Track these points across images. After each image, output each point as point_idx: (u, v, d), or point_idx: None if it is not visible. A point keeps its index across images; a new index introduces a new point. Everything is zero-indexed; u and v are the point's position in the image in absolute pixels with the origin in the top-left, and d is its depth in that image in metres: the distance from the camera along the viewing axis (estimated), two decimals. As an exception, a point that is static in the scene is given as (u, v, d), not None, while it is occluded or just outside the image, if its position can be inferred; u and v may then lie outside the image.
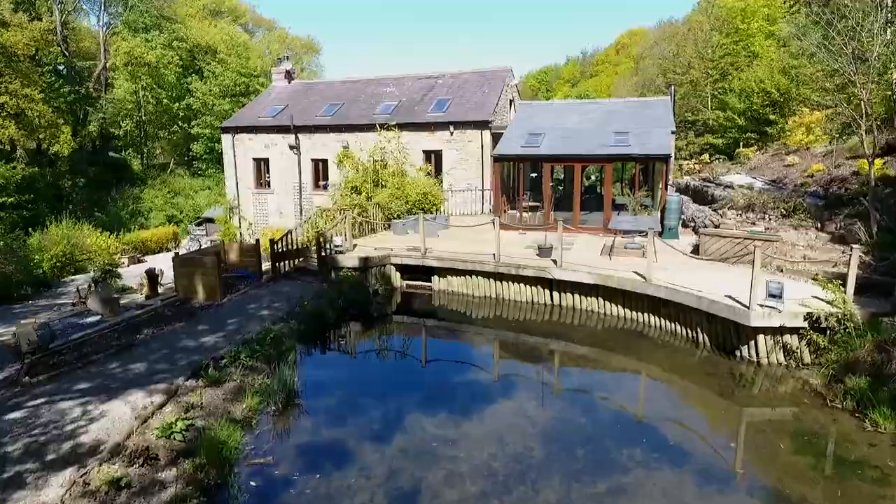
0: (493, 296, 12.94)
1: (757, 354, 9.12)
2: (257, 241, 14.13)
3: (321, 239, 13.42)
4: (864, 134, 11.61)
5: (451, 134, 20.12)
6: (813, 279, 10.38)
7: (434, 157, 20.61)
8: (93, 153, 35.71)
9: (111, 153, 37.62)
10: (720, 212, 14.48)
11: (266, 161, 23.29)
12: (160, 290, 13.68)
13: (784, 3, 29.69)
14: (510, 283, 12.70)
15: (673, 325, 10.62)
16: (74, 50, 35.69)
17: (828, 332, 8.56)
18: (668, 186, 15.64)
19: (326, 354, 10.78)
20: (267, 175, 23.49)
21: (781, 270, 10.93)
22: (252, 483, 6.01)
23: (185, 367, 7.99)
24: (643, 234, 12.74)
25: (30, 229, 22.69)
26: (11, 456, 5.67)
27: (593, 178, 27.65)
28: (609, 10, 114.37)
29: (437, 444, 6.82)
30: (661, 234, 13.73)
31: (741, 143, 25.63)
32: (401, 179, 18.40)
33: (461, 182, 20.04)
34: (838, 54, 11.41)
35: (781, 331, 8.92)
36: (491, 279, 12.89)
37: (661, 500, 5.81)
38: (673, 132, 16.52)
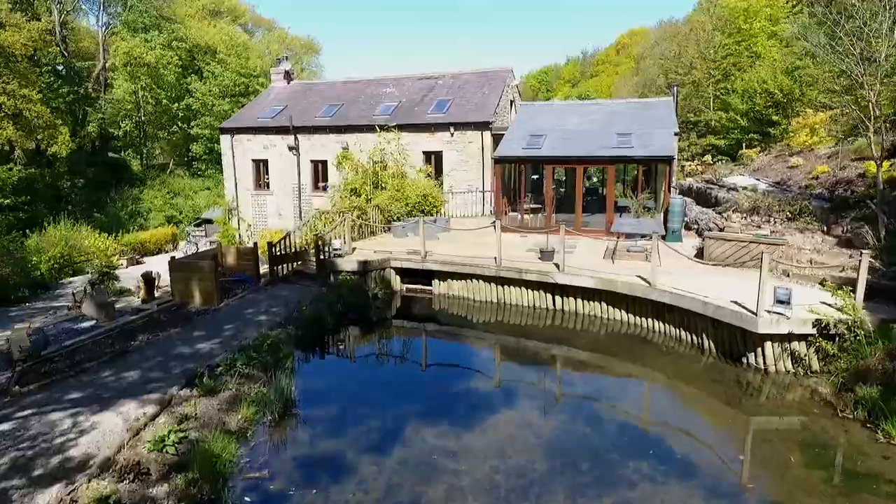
0: (495, 300, 12.75)
1: (764, 362, 8.93)
2: (255, 244, 13.94)
3: (320, 242, 13.23)
4: (871, 136, 11.42)
5: (452, 135, 19.94)
6: (820, 284, 10.21)
7: (434, 159, 20.43)
8: (92, 153, 35.54)
9: (110, 153, 37.46)
10: (725, 215, 14.29)
11: (265, 162, 23.11)
12: (157, 293, 13.50)
13: (787, 2, 29.49)
14: (512, 287, 12.52)
15: (678, 330, 10.43)
16: (73, 50, 35.52)
17: (837, 339, 8.38)
18: (671, 188, 15.45)
19: (325, 360, 10.59)
20: (266, 176, 23.31)
21: (788, 275, 10.75)
22: (247, 499, 5.83)
23: (180, 376, 7.81)
24: (646, 237, 12.57)
25: (27, 231, 22.54)
26: (-2, 471, 5.49)
27: (594, 179, 27.45)
28: (609, 10, 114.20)
29: (437, 457, 6.63)
30: (664, 238, 13.53)
31: (744, 145, 25.42)
32: (400, 181, 18.22)
33: (462, 184, 19.86)
34: (846, 55, 11.22)
35: (789, 338, 8.73)
36: (492, 283, 12.70)
37: (668, 516, 5.64)
38: (676, 133, 16.33)
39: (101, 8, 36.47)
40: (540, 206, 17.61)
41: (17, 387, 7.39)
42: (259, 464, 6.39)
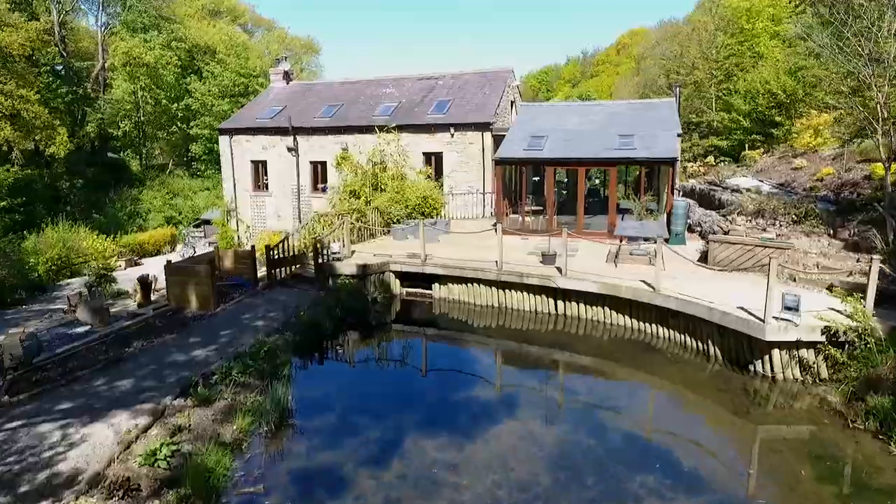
0: (496, 304, 12.56)
1: (772, 369, 8.74)
2: (252, 247, 13.75)
3: (318, 245, 13.05)
4: (879, 138, 11.22)
5: (452, 136, 19.75)
6: (827, 289, 10.02)
7: (434, 160, 20.25)
8: (91, 154, 35.39)
9: (110, 154, 37.30)
10: (729, 218, 14.09)
11: (264, 163, 22.93)
12: (154, 296, 13.32)
13: (789, 2, 29.28)
14: (513, 291, 12.33)
15: (683, 336, 10.24)
16: (73, 50, 35.33)
17: (846, 346, 8.19)
18: (675, 190, 15.26)
19: (323, 367, 10.41)
20: (265, 177, 23.14)
21: (794, 279, 10.56)
22: (241, 515, 5.66)
23: (174, 385, 7.62)
24: (649, 240, 12.38)
25: (25, 232, 22.38)
26: (-17, 487, 5.31)
27: (596, 180, 27.24)
28: (609, 10, 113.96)
29: (437, 470, 6.45)
30: (667, 240, 13.34)
31: (746, 146, 25.21)
32: (400, 183, 18.03)
33: (462, 185, 19.67)
34: (853, 56, 11.02)
35: (797, 345, 8.54)
36: (493, 287, 12.52)
37: (676, 533, 5.45)
38: (679, 135, 16.13)
39: (101, 8, 36.32)
40: (541, 208, 17.42)
41: (6, 396, 7.21)
42: (254, 478, 6.20)
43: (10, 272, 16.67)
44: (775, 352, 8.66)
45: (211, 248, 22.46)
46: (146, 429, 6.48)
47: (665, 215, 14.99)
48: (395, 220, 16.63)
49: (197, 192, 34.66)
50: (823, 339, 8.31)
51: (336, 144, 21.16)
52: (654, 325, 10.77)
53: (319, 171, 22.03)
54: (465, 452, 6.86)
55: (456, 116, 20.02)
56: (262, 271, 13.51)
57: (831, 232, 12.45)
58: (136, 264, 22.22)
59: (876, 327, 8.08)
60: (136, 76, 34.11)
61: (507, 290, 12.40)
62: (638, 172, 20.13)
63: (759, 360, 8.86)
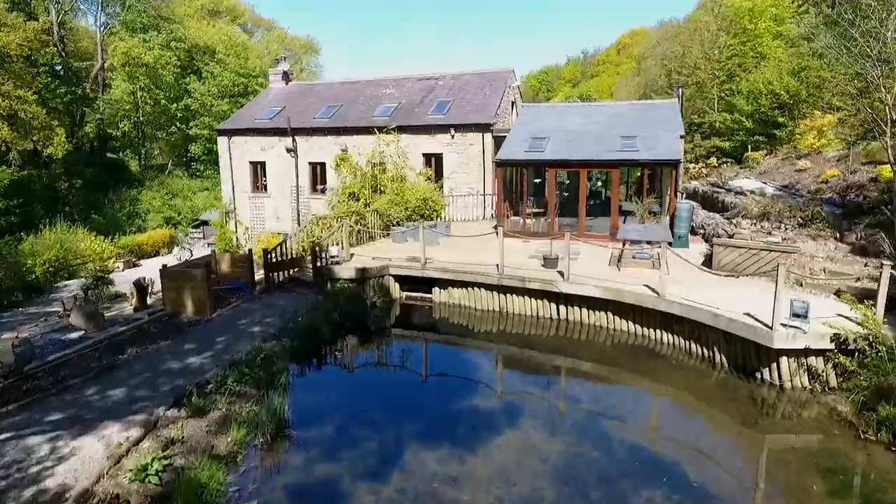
0: (497, 309, 12.37)
1: (779, 377, 8.55)
2: (250, 251, 13.59)
3: (317, 248, 12.86)
4: (887, 140, 11.02)
5: (452, 137, 19.56)
6: (835, 294, 9.84)
7: (434, 161, 20.05)
8: (90, 154, 35.23)
9: (109, 154, 37.14)
10: (734, 221, 13.90)
11: (263, 164, 22.75)
12: (150, 300, 13.16)
13: (792, 2, 29.07)
14: (514, 295, 12.14)
15: (687, 343, 10.05)
16: (72, 50, 35.17)
17: (856, 354, 8.00)
18: (678, 193, 15.07)
19: (321, 374, 10.21)
20: (264, 178, 22.95)
21: (801, 284, 10.37)
22: (234, 532, 5.47)
23: (168, 394, 7.44)
24: (652, 243, 12.19)
25: (23, 233, 22.22)
26: (-34, 504, 5.14)
27: (598, 182, 27.04)
28: (610, 10, 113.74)
29: (437, 484, 6.25)
30: (670, 244, 13.15)
31: (749, 147, 25.01)
32: (400, 185, 17.83)
33: (462, 186, 19.49)
34: (861, 56, 10.83)
35: (806, 353, 8.35)
36: (494, 291, 12.33)
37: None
38: (682, 136, 15.95)
39: (100, 8, 36.17)
40: (542, 210, 17.23)
41: (-5, 407, 7.03)
42: (249, 492, 6.01)
43: (7, 274, 16.51)
44: (783, 359, 8.47)
45: (210, 250, 22.33)
46: (137, 441, 6.30)
47: (668, 218, 14.80)
48: (394, 223, 16.44)
49: (196, 192, 34.52)
50: (832, 346, 8.12)
51: (335, 145, 20.97)
52: (658, 331, 10.58)
53: (318, 173, 21.85)
54: (467, 465, 6.68)
55: (456, 117, 19.83)
56: (259, 274, 13.34)
57: (838, 235, 12.25)
58: (135, 265, 22.07)
59: (887, 335, 7.88)
60: (136, 76, 33.95)
61: (508, 295, 12.21)
62: (640, 174, 19.93)
63: (767, 368, 8.67)
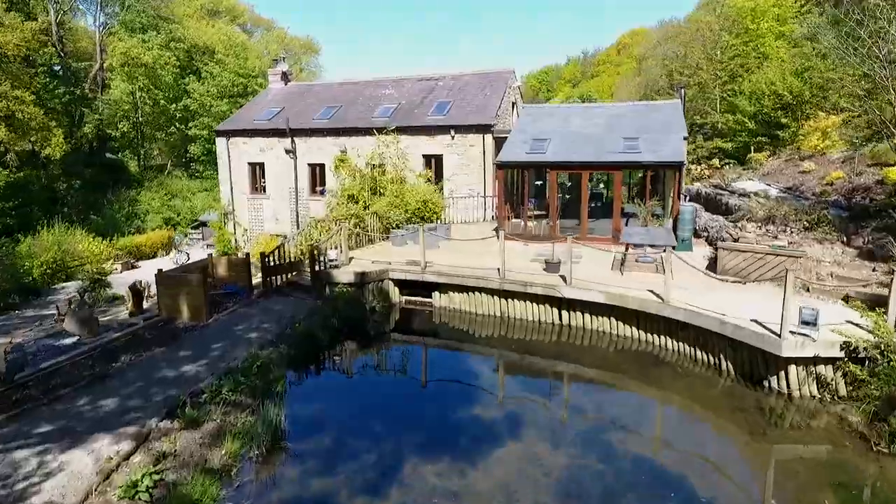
0: (498, 314, 12.18)
1: (788, 386, 8.36)
2: (247, 255, 13.39)
3: (315, 252, 12.67)
4: (896, 142, 10.84)
5: (452, 138, 19.37)
6: (843, 300, 9.65)
7: (434, 163, 19.86)
8: (89, 154, 35.07)
9: (108, 154, 36.96)
10: (739, 224, 13.70)
11: (261, 165, 22.56)
12: (147, 304, 12.98)
13: (795, 2, 28.86)
14: (516, 300, 11.94)
15: (693, 349, 9.86)
16: (71, 50, 35.00)
17: (867, 363, 7.81)
18: (681, 195, 14.87)
19: (318, 381, 10.01)
20: (262, 180, 22.76)
21: (808, 289, 10.18)
22: (227, 551, 5.28)
23: (161, 405, 7.26)
24: (655, 246, 12.00)
25: (21, 234, 22.07)
26: (-51, 523, 4.96)
27: (600, 184, 26.84)
28: (610, 10, 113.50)
29: (437, 500, 6.05)
30: (674, 248, 12.95)
31: (752, 148, 24.81)
32: (400, 186, 17.63)
33: (462, 188, 19.30)
34: (869, 57, 10.63)
35: (815, 361, 8.15)
36: (495, 296, 12.13)
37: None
38: (685, 138, 15.75)
39: (99, 7, 35.99)
40: (544, 212, 17.03)
41: (-17, 418, 6.85)
42: (242, 508, 5.84)
43: (3, 277, 16.35)
44: (791, 368, 8.28)
45: (209, 251, 22.15)
46: (128, 455, 6.11)
47: (671, 220, 14.61)
48: (394, 226, 16.24)
49: (195, 193, 34.37)
50: (842, 354, 7.92)
51: (335, 146, 20.79)
52: (662, 337, 10.38)
53: (318, 174, 21.66)
54: (467, 478, 6.48)
55: (456, 118, 19.64)
56: (257, 278, 13.15)
57: (844, 239, 12.05)
58: (133, 267, 21.90)
59: (899, 343, 7.69)
60: (135, 76, 33.77)
61: (509, 300, 12.02)
62: (641, 175, 19.74)
63: (775, 376, 8.47)
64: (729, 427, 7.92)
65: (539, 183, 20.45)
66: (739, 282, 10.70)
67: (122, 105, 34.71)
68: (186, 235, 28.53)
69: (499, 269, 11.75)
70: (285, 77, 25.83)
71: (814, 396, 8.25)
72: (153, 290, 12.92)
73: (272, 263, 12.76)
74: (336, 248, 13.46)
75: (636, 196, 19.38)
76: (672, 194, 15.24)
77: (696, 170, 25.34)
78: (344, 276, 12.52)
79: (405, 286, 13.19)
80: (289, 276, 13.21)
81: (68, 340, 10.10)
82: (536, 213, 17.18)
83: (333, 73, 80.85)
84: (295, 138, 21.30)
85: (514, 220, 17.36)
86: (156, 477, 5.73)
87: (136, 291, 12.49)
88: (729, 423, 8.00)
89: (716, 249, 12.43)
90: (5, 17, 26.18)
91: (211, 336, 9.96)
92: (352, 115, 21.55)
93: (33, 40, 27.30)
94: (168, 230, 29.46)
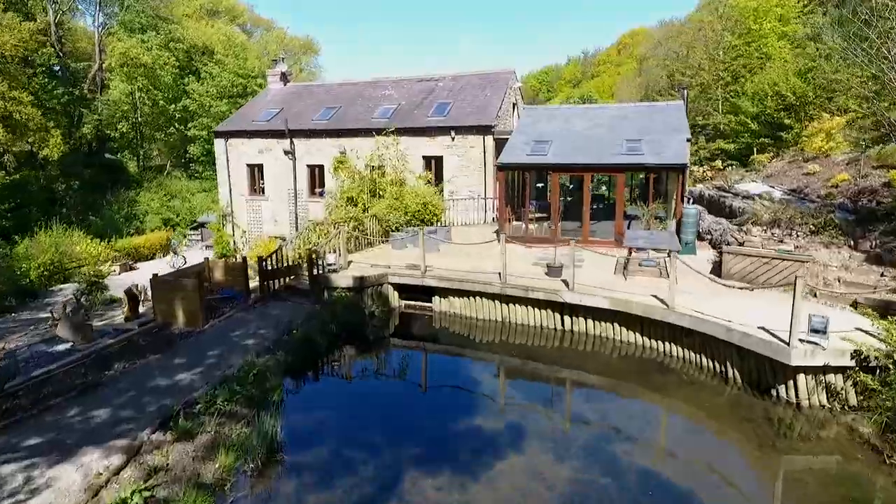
0: (499, 319, 11.99)
1: (796, 395, 8.16)
2: (244, 259, 13.19)
3: (313, 256, 12.48)
4: (904, 145, 10.63)
5: (453, 139, 19.18)
6: (851, 306, 9.45)
7: (434, 164, 19.68)
8: (88, 155, 34.92)
9: (107, 155, 36.80)
10: (745, 228, 13.49)
11: (260, 167, 22.38)
12: (142, 308, 12.82)
13: (797, 2, 28.67)
14: (517, 305, 11.75)
15: (698, 356, 9.66)
16: (70, 50, 34.85)
17: (878, 371, 7.61)
18: (684, 198, 14.67)
19: (316, 388, 9.81)
20: (261, 181, 22.58)
21: (815, 295, 9.98)
22: (219, 572, 5.09)
23: (154, 415, 7.06)
24: (659, 249, 11.80)
25: (19, 235, 21.90)
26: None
27: (602, 187, 26.64)
28: (610, 10, 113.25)
29: (437, 516, 5.88)
30: (678, 251, 12.75)
31: (755, 149, 24.61)
32: (399, 188, 17.44)
33: (463, 190, 19.11)
34: (878, 58, 10.44)
35: (825, 370, 7.96)
36: (496, 301, 11.94)
37: None
38: (689, 139, 15.55)
39: (98, 8, 35.82)
40: (545, 214, 16.83)
41: (-30, 430, 6.66)
42: (236, 525, 5.65)
43: (0, 279, 16.18)
44: (800, 376, 8.08)
45: (208, 252, 21.98)
46: (118, 470, 5.91)
47: (674, 223, 14.41)
48: (394, 228, 16.05)
49: (195, 193, 34.23)
50: (853, 363, 7.73)
51: (334, 148, 20.60)
52: (666, 344, 10.19)
53: (317, 175, 21.47)
54: (468, 494, 6.29)
55: (456, 119, 19.45)
56: (255, 282, 12.96)
57: (852, 243, 11.84)
58: (132, 269, 21.76)
59: (911, 352, 7.50)
60: (134, 77, 33.61)
61: (510, 304, 11.83)
62: (643, 177, 19.54)
63: (783, 385, 8.28)
64: (736, 437, 7.72)
65: (540, 185, 20.26)
66: (747, 288, 10.50)
67: (121, 105, 34.55)
68: (185, 236, 28.37)
69: (500, 274, 11.56)
70: (284, 77, 25.64)
71: (823, 406, 8.05)
72: (149, 293, 12.74)
73: (270, 267, 12.57)
74: (335, 251, 13.27)
75: (638, 198, 19.18)
76: (675, 197, 15.04)
77: (699, 171, 25.14)
78: (343, 280, 12.32)
79: (405, 290, 13.00)
80: (287, 280, 13.02)
81: (62, 347, 9.91)
82: (538, 215, 16.98)
83: (333, 73, 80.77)
84: (294, 139, 21.12)
85: (515, 222, 17.16)
86: (146, 494, 5.54)
87: (132, 296, 12.32)
88: (736, 432, 7.80)
89: (720, 253, 12.23)
90: (3, 18, 26.02)
91: (207, 342, 9.77)
92: (351, 115, 21.36)
93: (31, 41, 27.14)
94: (167, 231, 29.31)
